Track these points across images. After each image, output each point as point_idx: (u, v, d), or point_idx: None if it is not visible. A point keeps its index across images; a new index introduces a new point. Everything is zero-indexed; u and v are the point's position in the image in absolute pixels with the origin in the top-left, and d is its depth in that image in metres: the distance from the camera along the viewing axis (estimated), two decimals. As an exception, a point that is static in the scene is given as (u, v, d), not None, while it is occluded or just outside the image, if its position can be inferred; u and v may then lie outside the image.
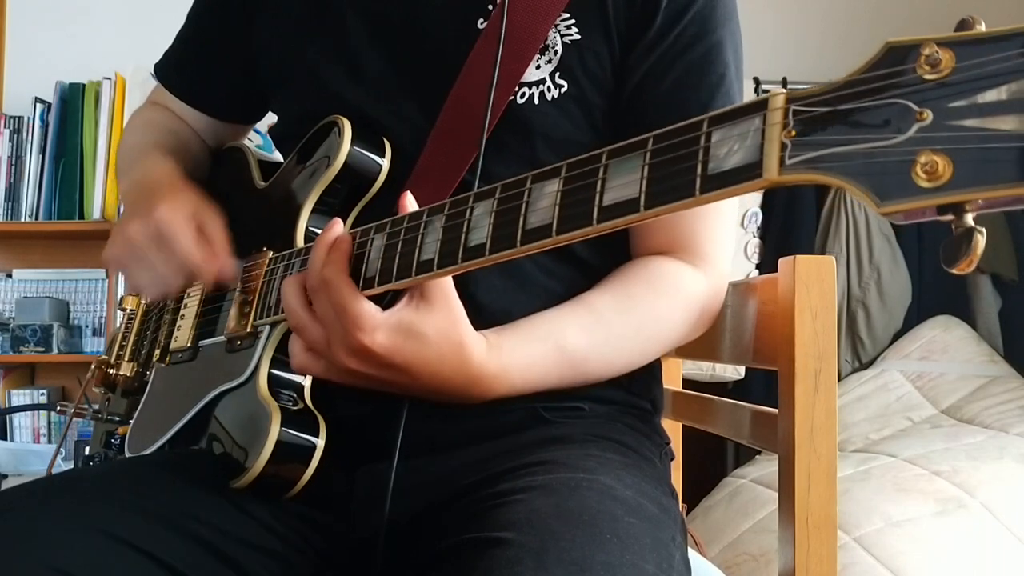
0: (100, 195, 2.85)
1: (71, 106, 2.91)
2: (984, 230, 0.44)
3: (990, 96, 0.42)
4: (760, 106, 0.50)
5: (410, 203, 0.73)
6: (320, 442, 0.82)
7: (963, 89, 0.43)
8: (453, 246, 0.67)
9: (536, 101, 0.86)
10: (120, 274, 1.02)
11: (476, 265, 0.65)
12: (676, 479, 1.19)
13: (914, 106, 0.44)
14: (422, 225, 0.70)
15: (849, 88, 0.47)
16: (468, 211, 0.66)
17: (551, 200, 0.61)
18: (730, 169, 0.51)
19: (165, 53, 1.13)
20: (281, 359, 0.86)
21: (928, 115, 0.44)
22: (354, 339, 0.72)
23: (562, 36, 0.86)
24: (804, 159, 0.47)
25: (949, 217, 0.44)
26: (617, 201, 0.57)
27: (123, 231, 0.92)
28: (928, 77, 0.44)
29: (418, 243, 0.70)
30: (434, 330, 0.73)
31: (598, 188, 0.58)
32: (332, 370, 0.75)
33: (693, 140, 0.53)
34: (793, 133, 0.48)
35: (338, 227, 0.75)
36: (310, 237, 0.88)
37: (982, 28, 0.44)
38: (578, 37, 0.87)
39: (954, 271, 0.45)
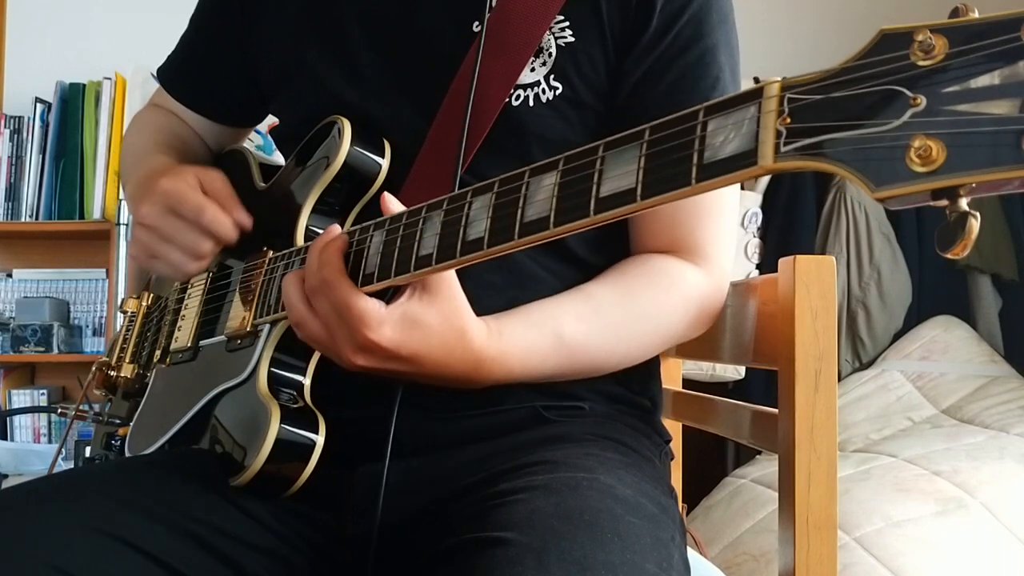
0: (100, 195, 2.85)
1: (71, 106, 2.91)
2: (978, 214, 0.44)
3: (983, 81, 0.43)
4: (755, 95, 0.51)
5: (392, 204, 0.74)
6: (320, 439, 0.82)
7: (956, 75, 0.44)
8: (451, 240, 0.67)
9: (531, 103, 0.86)
10: (152, 268, 1.04)
11: (475, 259, 0.66)
12: (676, 479, 1.19)
13: (908, 92, 0.45)
14: (421, 221, 0.70)
15: (843, 75, 0.47)
16: (466, 206, 0.66)
17: (548, 192, 0.61)
18: (725, 158, 0.51)
19: (168, 57, 1.14)
20: (281, 357, 0.86)
21: (922, 100, 0.44)
22: (360, 336, 0.72)
23: (556, 38, 0.87)
24: (799, 146, 0.48)
25: (943, 202, 0.44)
26: (614, 192, 0.57)
27: (137, 222, 0.94)
28: (921, 63, 0.45)
29: (417, 238, 0.70)
30: (438, 318, 0.74)
31: (595, 179, 0.58)
32: (338, 362, 0.76)
33: (689, 130, 0.54)
34: (788, 120, 0.49)
35: (335, 230, 0.76)
36: (310, 236, 0.89)
37: (975, 15, 0.44)
38: (572, 39, 0.87)
39: (949, 255, 0.45)
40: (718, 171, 0.52)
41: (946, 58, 0.44)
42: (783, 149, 0.48)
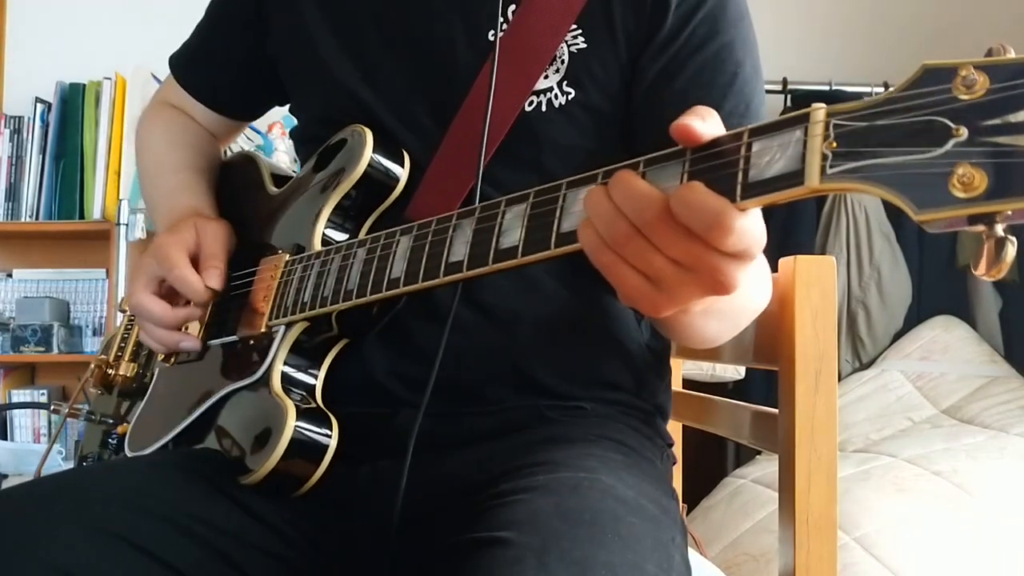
0: (100, 195, 2.85)
1: (71, 106, 2.90)
2: (1015, 240, 0.47)
3: (1022, 116, 0.45)
4: (802, 119, 0.52)
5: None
6: (333, 441, 0.83)
7: (997, 109, 0.46)
8: (484, 248, 0.67)
9: (544, 109, 0.87)
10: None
11: (505, 267, 0.66)
12: (676, 479, 1.19)
13: (950, 123, 0.47)
14: (451, 228, 0.71)
15: (888, 105, 0.50)
16: (500, 215, 0.67)
17: None
18: (771, 177, 0.52)
19: (183, 44, 1.15)
20: (295, 358, 0.87)
21: (964, 131, 0.47)
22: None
23: (569, 45, 0.87)
24: (844, 169, 0.50)
25: (980, 228, 0.47)
26: None
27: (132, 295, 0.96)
28: (963, 97, 0.47)
29: (447, 245, 0.71)
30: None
31: None
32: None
33: (734, 150, 0.55)
34: (834, 144, 0.50)
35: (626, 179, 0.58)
36: (327, 242, 0.90)
37: (1012, 54, 0.47)
38: (584, 46, 0.87)
39: (985, 277, 0.48)
40: (763, 189, 0.53)
41: (987, 93, 0.47)
42: (829, 171, 0.50)
